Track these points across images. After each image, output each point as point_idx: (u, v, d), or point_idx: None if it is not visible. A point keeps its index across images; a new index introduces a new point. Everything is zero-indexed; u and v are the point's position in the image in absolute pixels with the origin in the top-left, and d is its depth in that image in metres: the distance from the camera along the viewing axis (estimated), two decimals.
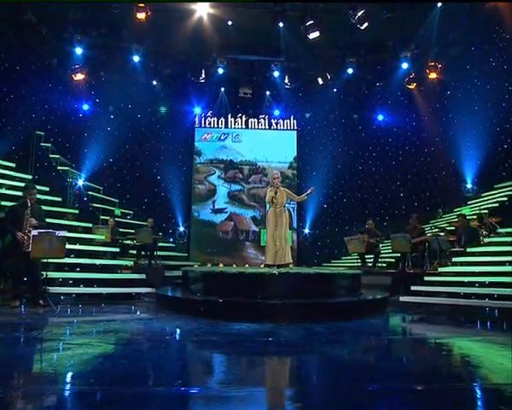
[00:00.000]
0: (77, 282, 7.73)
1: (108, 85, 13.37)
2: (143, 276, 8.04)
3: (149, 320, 6.05)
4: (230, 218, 13.89)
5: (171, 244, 13.71)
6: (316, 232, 14.99)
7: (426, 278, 7.65)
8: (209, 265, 12.92)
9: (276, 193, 7.20)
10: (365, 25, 10.82)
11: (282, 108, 14.85)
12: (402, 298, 7.00)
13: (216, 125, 14.41)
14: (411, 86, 13.30)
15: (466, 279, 7.69)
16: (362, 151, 15.75)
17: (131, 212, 13.68)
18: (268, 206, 7.48)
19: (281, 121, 14.51)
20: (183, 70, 13.29)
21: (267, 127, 14.44)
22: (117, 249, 8.65)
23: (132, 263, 8.97)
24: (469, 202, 12.54)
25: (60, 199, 8.86)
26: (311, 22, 10.82)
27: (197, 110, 14.54)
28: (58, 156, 12.59)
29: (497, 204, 11.29)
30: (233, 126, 14.39)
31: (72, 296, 7.65)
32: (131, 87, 13.49)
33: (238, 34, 12.09)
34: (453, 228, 10.84)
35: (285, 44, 12.16)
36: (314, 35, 10.96)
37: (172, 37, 11.86)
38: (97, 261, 8.11)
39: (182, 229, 14.16)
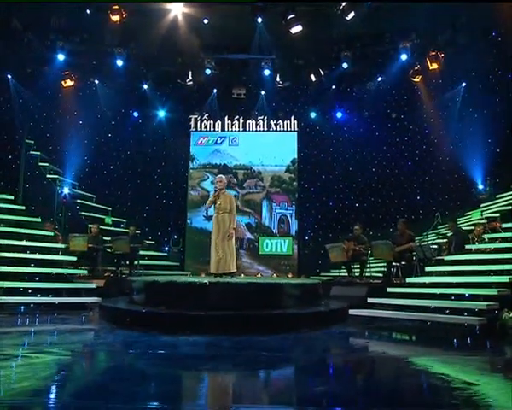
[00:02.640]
0: (34, 291, 8.08)
1: (97, 91, 13.81)
2: (94, 285, 8.23)
3: (75, 332, 6.23)
4: None
5: (163, 253, 13.92)
6: (318, 240, 14.62)
7: (389, 290, 7.31)
8: (203, 274, 12.97)
9: (218, 197, 7.15)
10: (351, 15, 10.56)
11: (280, 108, 14.64)
12: (351, 311, 6.71)
13: (212, 129, 14.42)
14: (416, 79, 12.79)
15: (439, 291, 7.31)
16: (376, 151, 15.29)
17: (125, 220, 14.01)
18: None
19: (280, 122, 14.26)
20: (171, 73, 13.48)
21: (266, 129, 14.27)
22: (74, 258, 8.88)
23: (87, 272, 9.22)
24: (482, 205, 11.87)
25: (23, 207, 9.23)
26: (292, 16, 10.69)
27: (192, 114, 14.60)
28: (47, 164, 13.16)
29: (510, 207, 10.66)
30: (230, 129, 14.35)
31: (31, 306, 8.10)
32: (121, 92, 13.90)
33: (223, 34, 12.09)
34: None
35: (273, 42, 12.05)
36: (296, 29, 10.83)
37: (158, 39, 12.03)
38: (55, 270, 8.40)
39: (175, 237, 14.32)
